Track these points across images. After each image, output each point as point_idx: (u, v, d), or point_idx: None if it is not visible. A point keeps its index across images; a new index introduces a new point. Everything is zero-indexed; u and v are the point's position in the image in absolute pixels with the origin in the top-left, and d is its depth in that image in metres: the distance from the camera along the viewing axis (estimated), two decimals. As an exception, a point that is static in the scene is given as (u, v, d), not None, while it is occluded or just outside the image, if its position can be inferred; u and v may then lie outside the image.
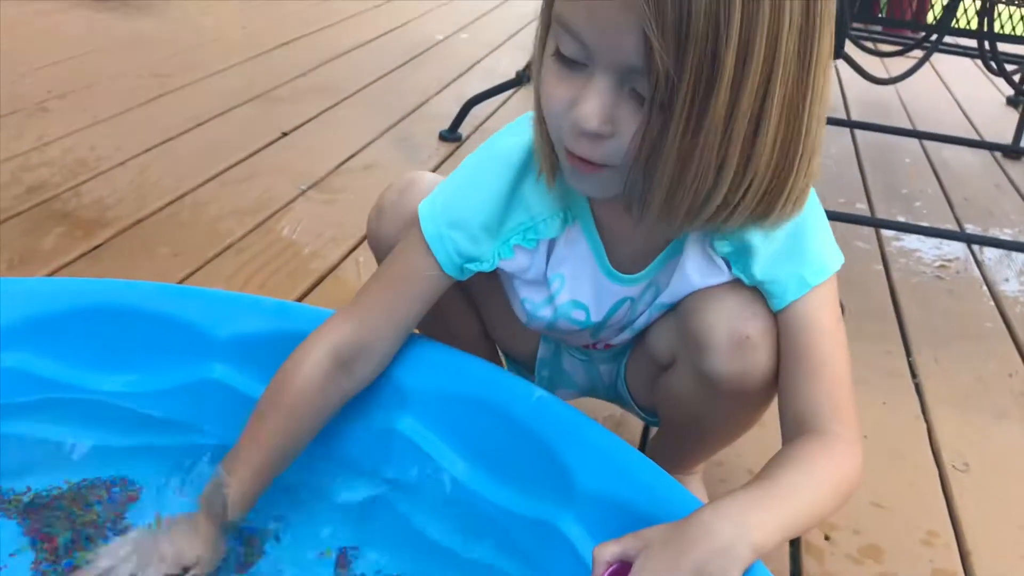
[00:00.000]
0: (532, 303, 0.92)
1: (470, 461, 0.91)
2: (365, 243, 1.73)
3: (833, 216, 1.88)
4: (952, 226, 2.22)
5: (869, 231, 2.08)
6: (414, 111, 2.55)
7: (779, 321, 0.85)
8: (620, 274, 0.89)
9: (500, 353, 1.14)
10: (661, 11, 0.63)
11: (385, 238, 0.97)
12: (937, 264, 1.98)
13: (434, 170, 2.11)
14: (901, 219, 2.20)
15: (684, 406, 0.95)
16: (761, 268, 0.83)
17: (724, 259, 0.86)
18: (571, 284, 0.90)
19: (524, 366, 1.11)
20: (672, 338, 0.93)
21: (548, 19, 0.73)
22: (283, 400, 0.87)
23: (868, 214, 2.20)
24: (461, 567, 0.88)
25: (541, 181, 0.84)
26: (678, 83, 0.65)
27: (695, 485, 1.11)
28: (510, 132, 0.87)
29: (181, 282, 1.51)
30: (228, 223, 1.75)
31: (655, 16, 0.63)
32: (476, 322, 1.08)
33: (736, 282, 0.86)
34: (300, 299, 1.50)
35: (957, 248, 2.06)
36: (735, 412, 0.94)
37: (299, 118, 2.37)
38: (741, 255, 0.84)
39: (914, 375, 1.51)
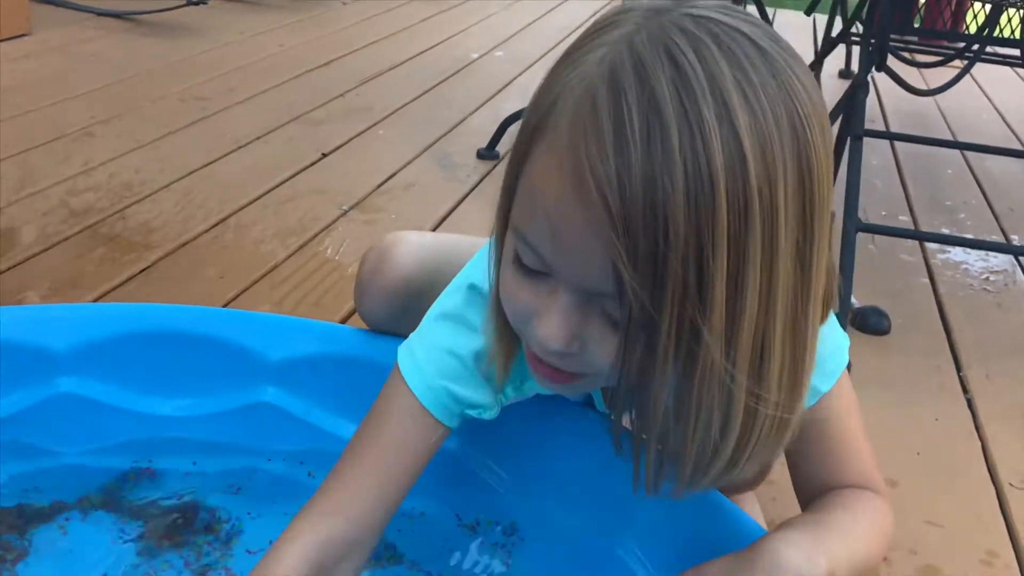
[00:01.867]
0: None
1: (523, 485, 0.91)
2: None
3: (876, 229, 1.87)
4: (998, 237, 2.18)
5: (913, 244, 2.05)
6: (451, 130, 2.56)
7: None
8: (607, 409, 0.80)
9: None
10: (632, 241, 0.54)
11: (371, 316, 0.95)
12: (984, 276, 1.95)
13: (474, 188, 2.13)
14: (945, 231, 2.17)
15: None
16: None
17: None
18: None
19: None
20: None
21: (505, 219, 0.65)
22: None
23: (911, 226, 2.18)
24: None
25: None
26: (657, 317, 0.56)
27: (749, 501, 1.09)
28: (480, 275, 0.77)
29: (227, 304, 1.53)
30: (271, 244, 1.76)
31: (625, 246, 0.54)
32: None
33: None
34: (345, 319, 1.51)
35: (1004, 260, 2.03)
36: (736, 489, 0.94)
37: (338, 139, 2.39)
38: None
39: (965, 391, 1.49)
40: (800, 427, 0.68)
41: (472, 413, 0.78)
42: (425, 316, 0.80)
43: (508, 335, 0.70)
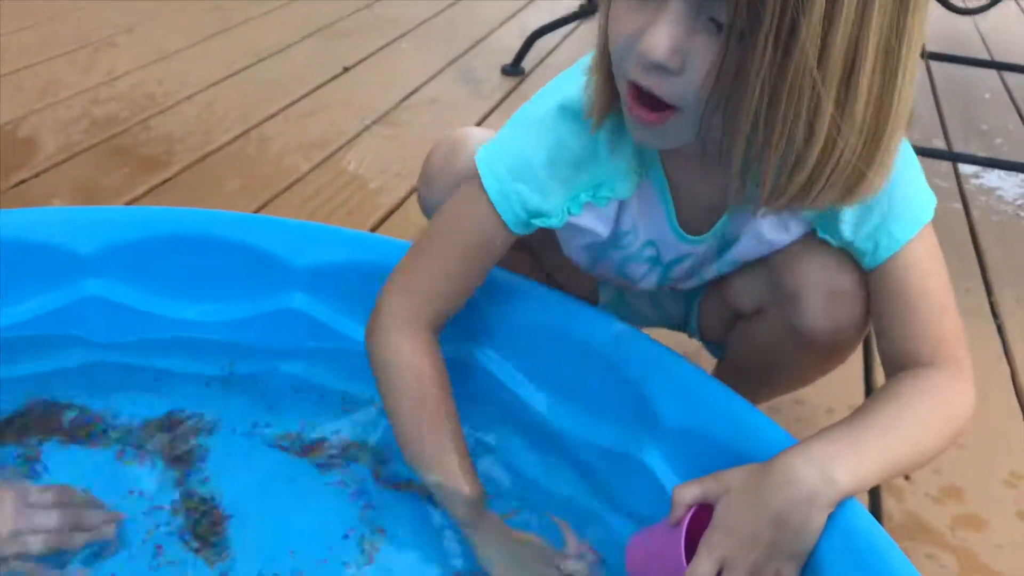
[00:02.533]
0: (598, 249, 0.88)
1: (550, 392, 0.91)
2: (432, 177, 1.72)
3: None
4: (1035, 164, 2.13)
5: (947, 169, 2.01)
6: (475, 45, 2.51)
7: (873, 276, 0.80)
8: (686, 235, 0.84)
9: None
10: None
11: (438, 205, 0.92)
12: (1018, 203, 1.91)
13: (498, 105, 2.09)
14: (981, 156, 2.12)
15: (766, 353, 0.92)
16: (849, 227, 0.77)
17: (807, 221, 0.80)
18: (642, 233, 0.85)
19: None
20: (760, 291, 0.89)
21: None
22: (424, 399, 0.82)
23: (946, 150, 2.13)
24: (542, 498, 0.88)
25: (617, 137, 0.78)
26: (761, 10, 0.58)
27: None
28: (574, 78, 0.79)
29: (251, 215, 1.52)
30: (294, 157, 1.75)
31: None
32: (529, 261, 1.03)
33: (823, 241, 0.80)
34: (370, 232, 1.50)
35: (1040, 186, 1.99)
36: (819, 363, 0.92)
37: (360, 53, 2.35)
38: (826, 217, 0.78)
39: (995, 315, 1.47)
40: (880, 282, 0.77)
41: (537, 222, 0.82)
42: (507, 123, 0.83)
43: (609, 91, 0.73)
